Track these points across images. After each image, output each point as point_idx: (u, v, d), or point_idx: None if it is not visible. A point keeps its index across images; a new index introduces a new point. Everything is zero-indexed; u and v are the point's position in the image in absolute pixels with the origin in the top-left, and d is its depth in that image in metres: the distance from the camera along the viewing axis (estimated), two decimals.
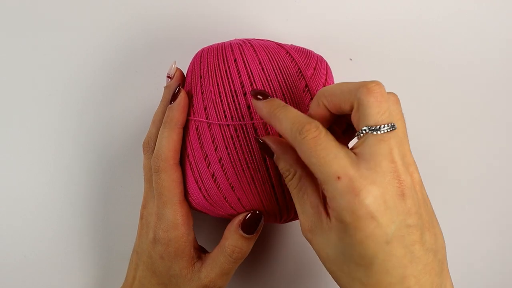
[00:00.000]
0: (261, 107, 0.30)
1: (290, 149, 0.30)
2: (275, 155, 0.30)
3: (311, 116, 0.29)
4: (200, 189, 0.34)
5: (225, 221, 0.36)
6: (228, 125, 0.32)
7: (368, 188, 0.25)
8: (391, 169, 0.26)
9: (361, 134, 0.27)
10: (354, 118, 0.27)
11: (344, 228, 0.26)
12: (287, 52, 0.34)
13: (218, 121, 0.33)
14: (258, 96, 0.30)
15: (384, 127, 0.26)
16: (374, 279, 0.27)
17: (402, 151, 0.27)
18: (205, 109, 0.33)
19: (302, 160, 0.28)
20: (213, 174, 0.33)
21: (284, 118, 0.28)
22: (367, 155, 0.26)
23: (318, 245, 0.28)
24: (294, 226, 0.45)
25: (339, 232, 0.27)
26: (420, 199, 0.28)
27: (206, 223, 0.44)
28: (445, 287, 0.28)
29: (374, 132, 0.26)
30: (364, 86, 0.27)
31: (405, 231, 0.26)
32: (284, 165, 0.30)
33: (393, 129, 0.26)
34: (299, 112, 0.29)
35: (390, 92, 0.29)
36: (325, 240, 0.28)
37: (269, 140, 0.31)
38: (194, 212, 0.36)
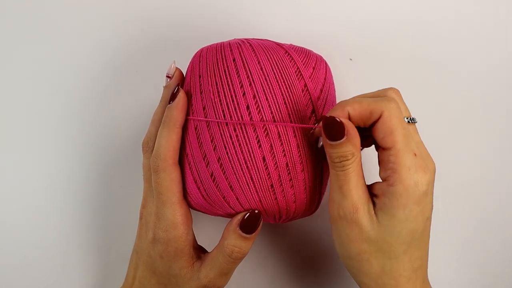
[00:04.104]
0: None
1: (357, 134, 0.31)
2: (345, 137, 0.30)
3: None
4: (199, 188, 0.34)
5: (224, 220, 0.36)
6: (226, 124, 0.32)
7: (429, 168, 0.31)
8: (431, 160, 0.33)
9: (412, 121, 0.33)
10: (380, 127, 0.31)
11: (398, 205, 0.30)
12: (286, 51, 0.34)
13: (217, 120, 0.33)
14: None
15: (413, 119, 0.34)
16: (416, 254, 0.32)
17: None
18: (204, 108, 0.33)
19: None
20: (212, 174, 0.33)
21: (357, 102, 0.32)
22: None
23: (362, 228, 0.31)
24: (294, 226, 0.44)
25: (390, 210, 0.30)
26: None
27: (205, 223, 0.44)
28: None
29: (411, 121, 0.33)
30: (387, 95, 0.33)
31: (431, 213, 0.32)
32: (351, 148, 0.31)
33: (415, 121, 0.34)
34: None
35: (391, 88, 0.34)
36: (370, 223, 0.31)
37: (346, 122, 0.31)
38: (194, 212, 0.36)
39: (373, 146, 0.34)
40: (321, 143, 0.33)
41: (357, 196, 0.31)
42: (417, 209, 0.31)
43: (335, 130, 0.30)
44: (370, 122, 0.32)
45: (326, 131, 0.31)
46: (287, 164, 0.32)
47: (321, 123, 0.31)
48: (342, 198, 0.31)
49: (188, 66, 0.36)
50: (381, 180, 0.32)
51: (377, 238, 0.31)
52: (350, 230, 0.31)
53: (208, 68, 0.34)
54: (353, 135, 0.31)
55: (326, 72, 0.36)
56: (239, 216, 0.34)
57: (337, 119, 0.30)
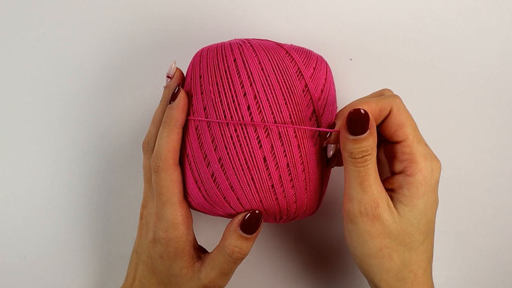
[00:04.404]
0: None
1: (375, 127, 0.32)
2: (368, 132, 0.31)
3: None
4: (199, 189, 0.34)
5: (225, 221, 0.36)
6: (227, 124, 0.32)
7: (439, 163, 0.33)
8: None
9: None
10: (390, 122, 0.32)
11: (418, 194, 0.31)
12: (287, 52, 0.34)
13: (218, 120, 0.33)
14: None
15: None
16: (430, 245, 0.33)
17: None
18: (204, 108, 0.33)
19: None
20: (213, 174, 0.33)
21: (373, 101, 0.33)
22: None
23: (384, 222, 0.31)
24: (294, 226, 0.45)
25: (411, 201, 0.31)
26: None
27: (206, 223, 0.44)
28: None
29: None
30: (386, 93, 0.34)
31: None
32: (372, 142, 0.31)
33: None
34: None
35: (386, 89, 0.36)
36: (391, 216, 0.32)
37: (372, 118, 0.31)
38: (194, 212, 0.36)
39: None
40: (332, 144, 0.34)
41: (377, 191, 0.32)
42: (432, 197, 0.32)
43: (360, 124, 0.31)
44: (380, 119, 0.33)
45: (351, 126, 0.31)
46: (288, 164, 0.33)
47: (338, 126, 0.32)
48: (363, 194, 0.31)
49: (189, 66, 0.36)
50: (390, 175, 0.33)
51: (399, 230, 0.32)
52: (371, 226, 0.31)
53: (208, 68, 0.34)
54: (374, 128, 0.31)
55: (326, 72, 0.36)
56: (240, 217, 0.34)
57: (362, 110, 0.31)
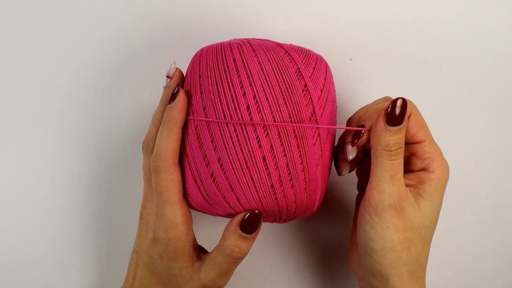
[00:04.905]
0: None
1: None
2: (402, 124, 0.32)
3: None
4: (199, 188, 0.34)
5: (224, 220, 0.36)
6: (227, 124, 0.32)
7: None
8: None
9: None
10: (412, 124, 0.34)
11: (437, 189, 0.34)
12: (286, 51, 0.34)
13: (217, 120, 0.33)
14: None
15: None
16: (431, 240, 0.35)
17: None
18: (204, 108, 0.33)
19: None
20: (212, 174, 0.33)
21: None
22: None
23: (408, 215, 0.33)
24: (294, 226, 0.44)
25: (431, 196, 0.33)
26: None
27: (206, 223, 0.44)
28: None
29: None
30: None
31: None
32: (404, 135, 0.33)
33: None
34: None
35: (387, 97, 0.37)
36: (414, 210, 0.33)
37: (407, 111, 0.33)
38: (194, 212, 0.36)
39: None
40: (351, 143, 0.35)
41: (404, 185, 0.33)
42: (443, 193, 0.35)
43: (400, 114, 0.33)
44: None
45: (390, 116, 0.32)
46: (287, 164, 0.33)
47: (369, 124, 0.34)
48: (393, 187, 0.32)
49: (188, 66, 0.36)
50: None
51: (418, 224, 0.33)
52: (397, 219, 0.32)
53: (208, 68, 0.34)
54: (405, 124, 0.33)
55: (326, 72, 0.36)
56: (239, 216, 0.34)
57: (401, 100, 0.33)
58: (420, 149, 0.34)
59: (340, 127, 0.35)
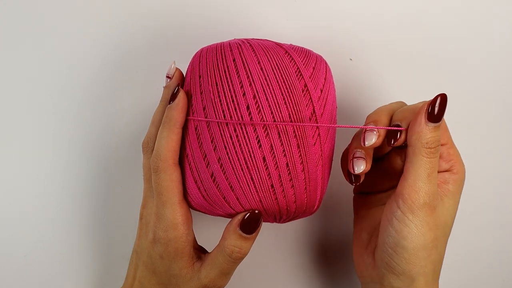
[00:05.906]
0: None
1: None
2: (440, 122, 0.33)
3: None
4: (199, 189, 0.34)
5: (225, 220, 0.36)
6: (227, 124, 0.32)
7: None
8: None
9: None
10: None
11: (459, 190, 0.35)
12: (286, 51, 0.34)
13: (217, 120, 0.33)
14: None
15: None
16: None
17: None
18: (204, 108, 0.33)
19: None
20: (212, 174, 0.33)
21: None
22: None
23: (438, 214, 0.33)
24: (294, 226, 0.45)
25: (454, 196, 0.35)
26: None
27: (206, 223, 0.44)
28: None
29: None
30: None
31: None
32: (439, 133, 0.33)
33: None
34: None
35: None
36: (442, 209, 0.34)
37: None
38: (194, 212, 0.36)
39: None
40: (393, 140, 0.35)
41: (437, 184, 0.34)
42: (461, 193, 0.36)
43: (441, 110, 0.33)
44: None
45: (432, 113, 0.33)
46: (287, 164, 0.33)
47: (405, 123, 0.34)
48: (429, 185, 0.33)
49: (188, 66, 0.36)
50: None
51: (444, 222, 0.34)
52: (430, 217, 0.33)
53: (208, 68, 0.34)
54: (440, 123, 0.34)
55: (326, 72, 0.36)
56: (239, 216, 0.34)
57: (442, 95, 0.33)
58: (445, 151, 0.35)
59: (341, 126, 0.35)
